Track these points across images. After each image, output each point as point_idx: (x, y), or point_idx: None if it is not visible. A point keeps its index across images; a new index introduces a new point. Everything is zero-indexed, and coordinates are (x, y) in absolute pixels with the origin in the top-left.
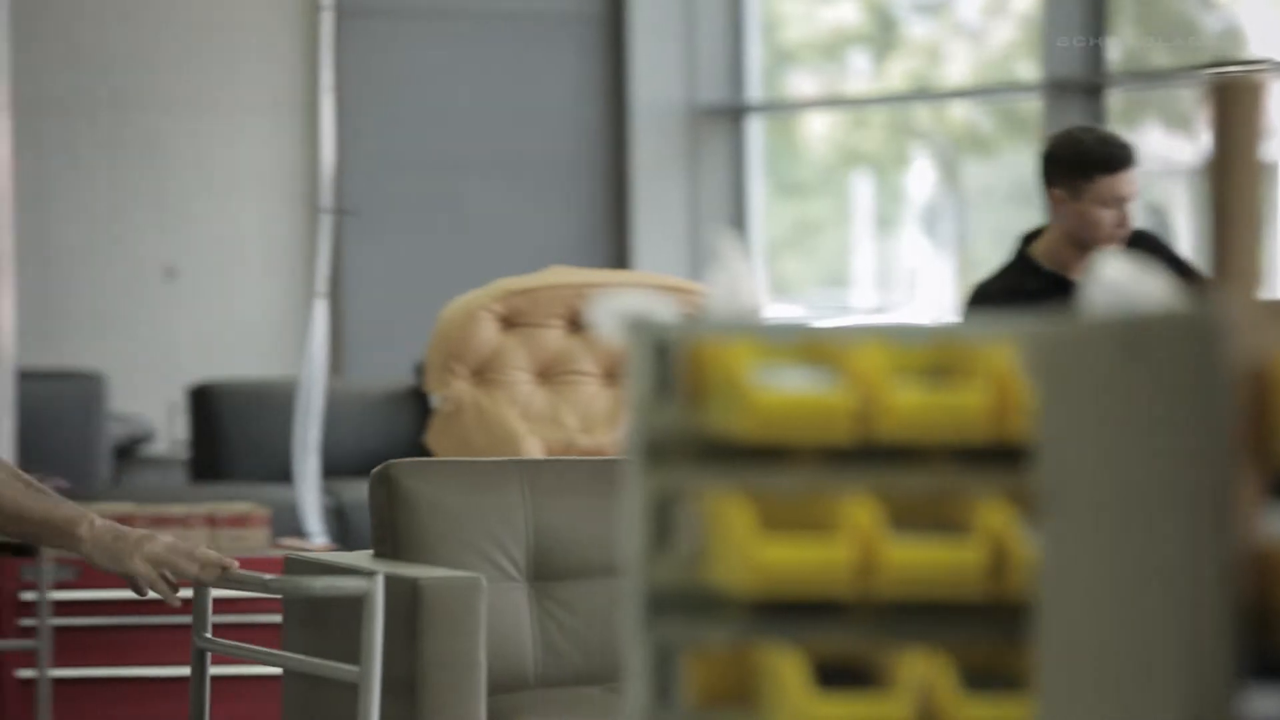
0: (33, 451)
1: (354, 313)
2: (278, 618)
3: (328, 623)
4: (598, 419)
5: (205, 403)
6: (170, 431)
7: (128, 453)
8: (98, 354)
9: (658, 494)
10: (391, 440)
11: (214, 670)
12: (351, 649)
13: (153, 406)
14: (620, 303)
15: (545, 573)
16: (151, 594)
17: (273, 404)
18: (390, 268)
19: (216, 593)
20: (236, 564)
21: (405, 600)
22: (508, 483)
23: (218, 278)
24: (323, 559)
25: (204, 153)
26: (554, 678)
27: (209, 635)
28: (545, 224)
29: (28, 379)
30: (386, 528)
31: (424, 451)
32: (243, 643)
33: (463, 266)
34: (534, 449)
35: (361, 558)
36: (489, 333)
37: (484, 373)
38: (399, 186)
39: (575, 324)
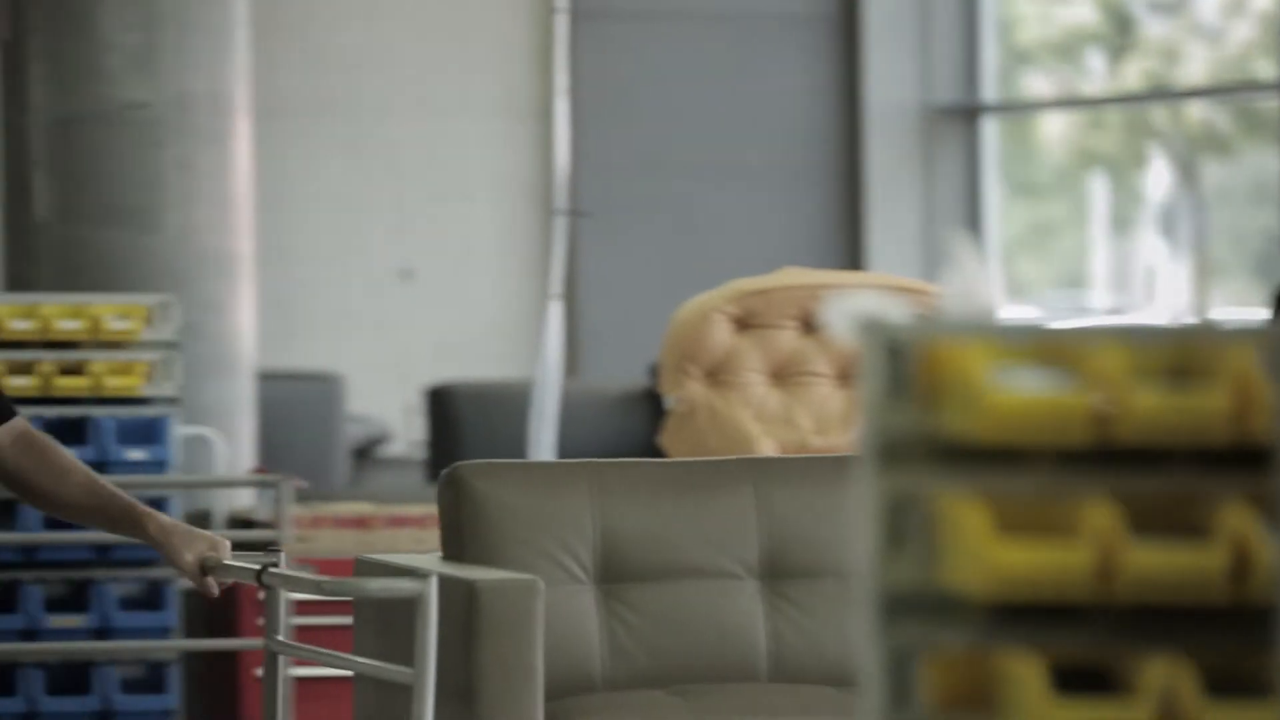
0: (272, 452)
1: (589, 314)
2: None
3: (392, 625)
4: (831, 420)
5: (442, 404)
6: (407, 432)
7: (365, 453)
8: (336, 355)
9: (891, 496)
10: (626, 441)
11: (301, 672)
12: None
13: (389, 407)
14: (854, 303)
15: (612, 575)
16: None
17: (508, 405)
18: (624, 269)
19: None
20: (216, 591)
21: (463, 602)
22: (576, 484)
23: (453, 279)
24: (390, 560)
25: (440, 155)
26: (620, 681)
27: (280, 638)
28: (778, 225)
29: (267, 380)
30: (453, 530)
31: (658, 452)
32: (322, 646)
33: (696, 268)
34: (768, 450)
35: (429, 560)
36: (723, 334)
37: (718, 374)
38: (633, 188)
39: (809, 325)
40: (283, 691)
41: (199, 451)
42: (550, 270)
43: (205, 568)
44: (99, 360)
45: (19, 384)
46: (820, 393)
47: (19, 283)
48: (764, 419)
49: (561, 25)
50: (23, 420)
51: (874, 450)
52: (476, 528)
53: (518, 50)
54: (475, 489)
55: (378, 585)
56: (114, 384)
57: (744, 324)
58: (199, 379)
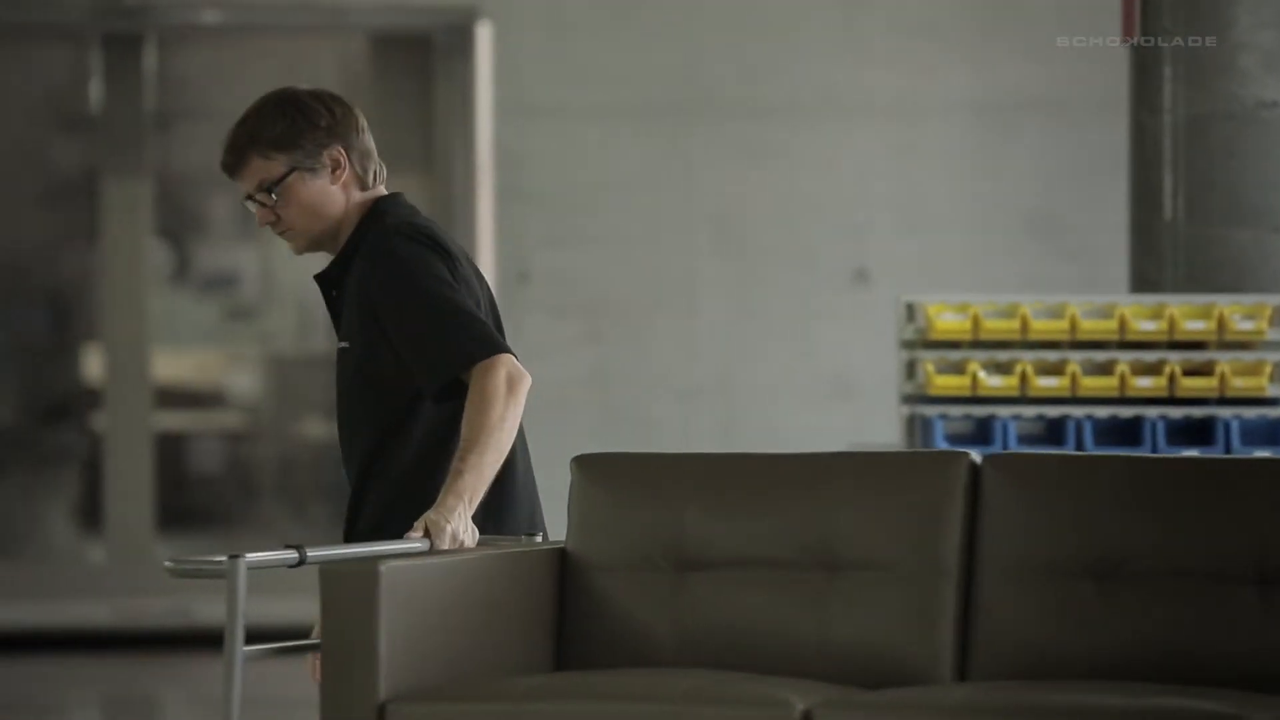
0: None
1: None
2: None
3: None
4: None
5: None
6: None
7: None
8: None
9: None
10: None
11: None
12: None
13: None
14: None
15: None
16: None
17: None
18: None
19: None
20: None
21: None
22: (676, 477)
23: None
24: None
25: None
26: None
27: None
28: None
29: None
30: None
31: None
32: None
33: None
34: None
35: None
36: None
37: None
38: None
39: None
40: None
41: None
42: None
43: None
44: (1225, 361)
45: (1144, 384)
46: None
47: (1146, 283)
48: None
49: None
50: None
51: None
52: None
53: None
54: (581, 479)
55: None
56: (1240, 385)
57: None
58: None
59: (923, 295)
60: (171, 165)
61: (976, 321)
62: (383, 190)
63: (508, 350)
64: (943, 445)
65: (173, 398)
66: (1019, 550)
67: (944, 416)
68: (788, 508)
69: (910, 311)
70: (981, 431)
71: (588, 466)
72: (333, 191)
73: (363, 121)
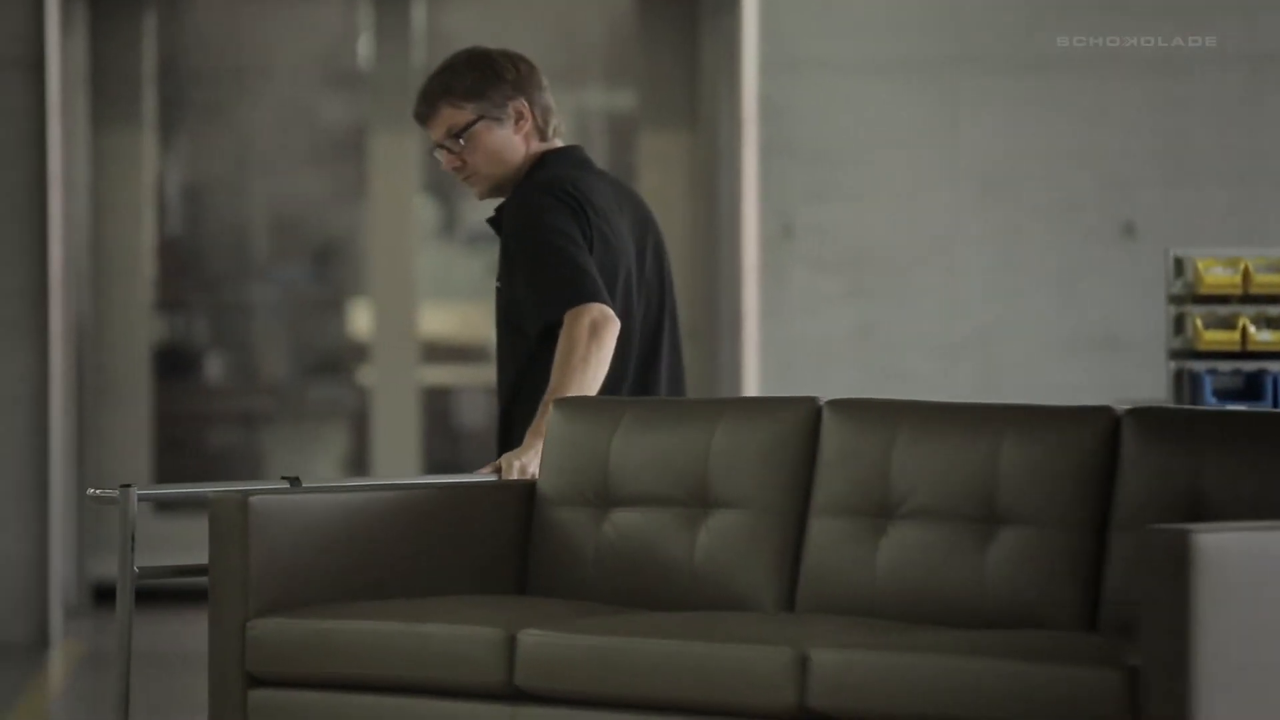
0: None
1: None
2: None
3: None
4: None
5: None
6: None
7: None
8: None
9: None
10: None
11: None
12: None
13: None
14: None
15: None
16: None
17: None
18: None
19: None
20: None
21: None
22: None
23: None
24: None
25: None
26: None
27: None
28: None
29: None
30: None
31: None
32: None
33: None
34: None
35: None
36: None
37: None
38: None
39: None
40: None
41: None
42: None
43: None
44: None
45: None
46: None
47: None
48: None
49: None
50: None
51: None
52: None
53: None
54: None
55: None
56: None
57: None
58: None
59: (1192, 249)
60: None
61: (1247, 275)
62: (558, 143)
63: (599, 299)
64: (1211, 401)
65: (439, 352)
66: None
67: (1212, 372)
68: (682, 449)
69: (1179, 266)
70: (1251, 386)
71: (563, 408)
72: (514, 140)
73: (544, 80)
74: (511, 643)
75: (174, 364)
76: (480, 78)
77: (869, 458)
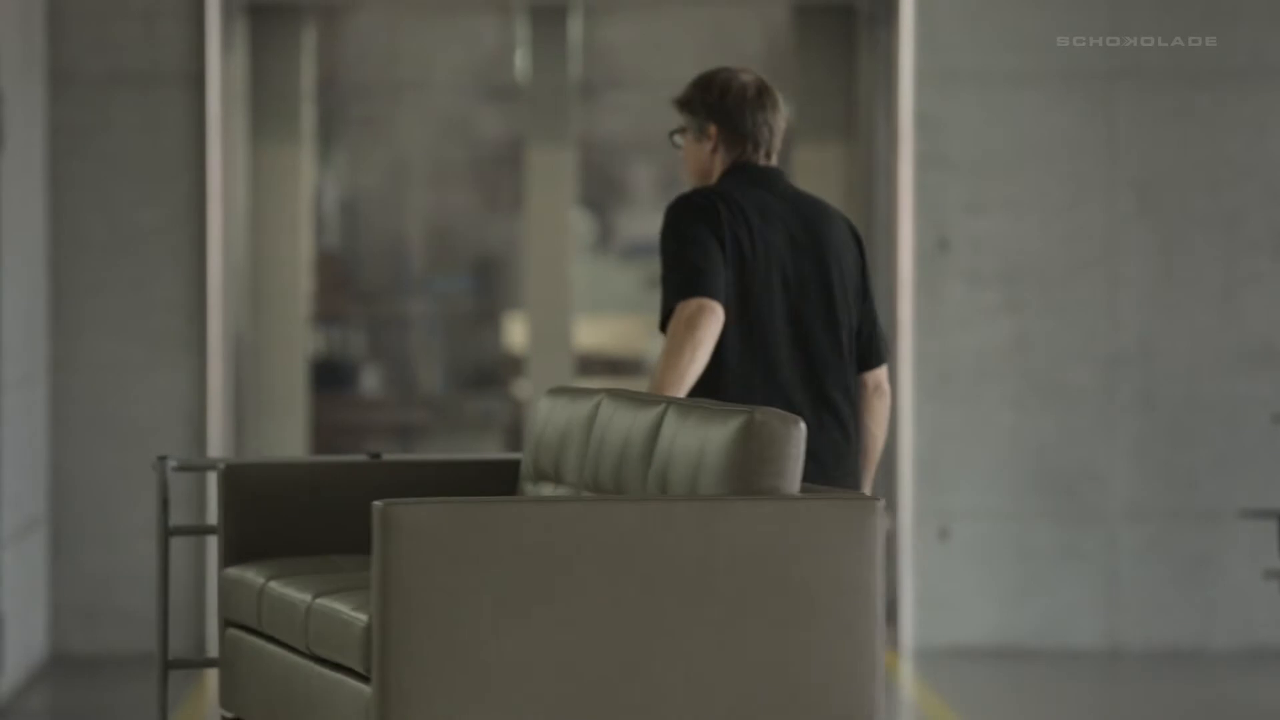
0: None
1: None
2: None
3: None
4: None
5: None
6: None
7: None
8: None
9: None
10: None
11: None
12: None
13: None
14: None
15: None
16: None
17: None
18: None
19: None
20: None
21: None
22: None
23: None
24: None
25: None
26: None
27: None
28: None
29: None
30: None
31: None
32: None
33: None
34: None
35: None
36: None
37: None
38: None
39: None
40: None
41: None
42: None
43: None
44: None
45: None
46: None
47: None
48: None
49: None
50: (883, 373)
51: None
52: None
53: None
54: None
55: None
56: None
57: None
58: None
59: None
60: (595, 135)
61: None
62: (755, 161)
63: (699, 294)
64: None
65: (594, 365)
66: None
67: None
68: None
69: None
70: None
71: (554, 395)
72: (704, 155)
73: (766, 102)
74: None
75: (331, 377)
76: (693, 95)
77: None
